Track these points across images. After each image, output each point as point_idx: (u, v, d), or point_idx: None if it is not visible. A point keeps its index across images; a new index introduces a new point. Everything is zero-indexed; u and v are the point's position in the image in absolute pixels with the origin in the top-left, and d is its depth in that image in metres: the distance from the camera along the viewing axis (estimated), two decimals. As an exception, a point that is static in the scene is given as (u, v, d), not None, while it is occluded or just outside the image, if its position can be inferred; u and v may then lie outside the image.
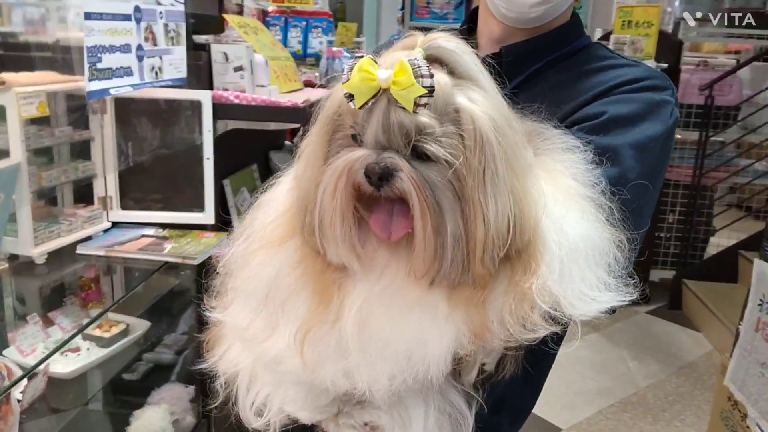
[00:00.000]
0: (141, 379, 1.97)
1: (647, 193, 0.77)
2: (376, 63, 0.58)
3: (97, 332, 1.70)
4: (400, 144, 0.58)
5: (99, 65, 1.29)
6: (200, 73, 1.80)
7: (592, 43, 0.90)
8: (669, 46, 3.58)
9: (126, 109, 1.76)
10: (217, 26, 2.23)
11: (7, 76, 1.48)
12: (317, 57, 4.17)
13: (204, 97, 1.76)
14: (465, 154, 0.58)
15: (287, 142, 2.68)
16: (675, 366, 3.16)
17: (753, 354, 2.07)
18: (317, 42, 4.35)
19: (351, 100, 0.58)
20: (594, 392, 2.96)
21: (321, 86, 2.81)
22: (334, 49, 4.26)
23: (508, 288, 0.63)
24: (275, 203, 0.73)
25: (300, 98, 1.95)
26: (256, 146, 2.32)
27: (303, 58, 4.07)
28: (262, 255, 0.69)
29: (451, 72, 0.61)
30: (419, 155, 0.59)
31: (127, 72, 1.41)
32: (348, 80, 0.58)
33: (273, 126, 2.24)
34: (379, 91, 0.57)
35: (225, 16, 2.27)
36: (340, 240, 0.62)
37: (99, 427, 1.87)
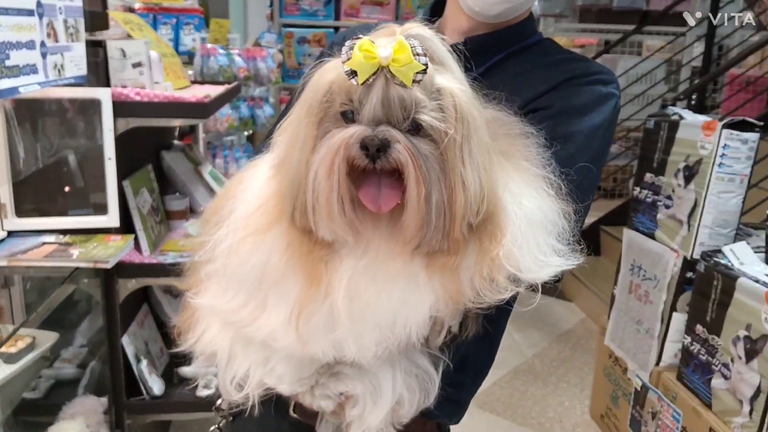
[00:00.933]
0: (44, 397, 1.87)
1: (591, 174, 0.86)
2: (373, 41, 0.62)
3: (3, 348, 1.59)
4: (399, 117, 0.63)
5: (7, 62, 1.22)
6: (98, 70, 1.73)
7: (544, 38, 0.98)
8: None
9: (22, 111, 1.65)
10: (101, 23, 2.13)
11: None
12: (190, 55, 4.06)
13: (103, 95, 1.69)
14: (455, 129, 0.64)
15: (176, 142, 2.61)
16: (555, 334, 3.44)
17: (628, 313, 2.33)
18: (190, 39, 4.24)
19: (353, 77, 0.62)
20: (487, 365, 3.16)
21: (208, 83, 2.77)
22: (209, 46, 4.17)
23: (478, 255, 0.69)
24: (253, 192, 0.74)
25: (200, 94, 1.92)
26: (149, 146, 2.25)
27: (177, 55, 3.94)
28: (249, 243, 0.70)
29: (431, 56, 0.65)
30: (410, 129, 0.64)
31: (33, 69, 1.34)
32: (349, 59, 0.62)
33: (163, 124, 2.18)
34: (378, 69, 0.62)
35: (109, 12, 2.18)
36: (338, 217, 0.65)
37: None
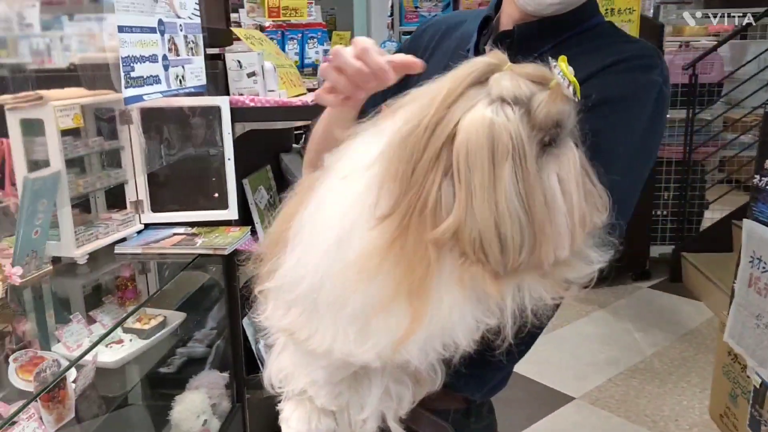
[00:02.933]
0: (177, 372, 2.11)
1: (632, 169, 0.84)
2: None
3: (137, 325, 1.83)
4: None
5: (132, 74, 1.43)
6: (217, 80, 1.94)
7: (602, 21, 0.94)
8: (651, 30, 3.74)
9: (151, 118, 1.90)
10: (225, 39, 2.37)
11: (43, 92, 1.62)
12: (314, 66, 4.33)
13: (222, 102, 1.90)
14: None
15: (295, 145, 2.83)
16: (678, 333, 3.29)
17: (748, 308, 2.20)
18: (313, 52, 4.51)
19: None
20: (603, 362, 3.09)
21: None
22: (330, 57, 4.42)
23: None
24: (349, 242, 0.72)
25: (309, 98, 2.09)
26: (268, 148, 2.47)
27: (301, 68, 4.21)
28: (360, 284, 0.71)
29: None
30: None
31: (156, 80, 1.55)
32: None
33: (280, 125, 2.38)
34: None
35: (232, 29, 2.42)
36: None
37: (141, 415, 2.00)
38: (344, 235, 0.69)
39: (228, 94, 1.96)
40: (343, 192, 0.72)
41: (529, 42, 0.91)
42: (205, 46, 2.05)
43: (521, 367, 3.39)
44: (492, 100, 0.67)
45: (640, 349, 3.17)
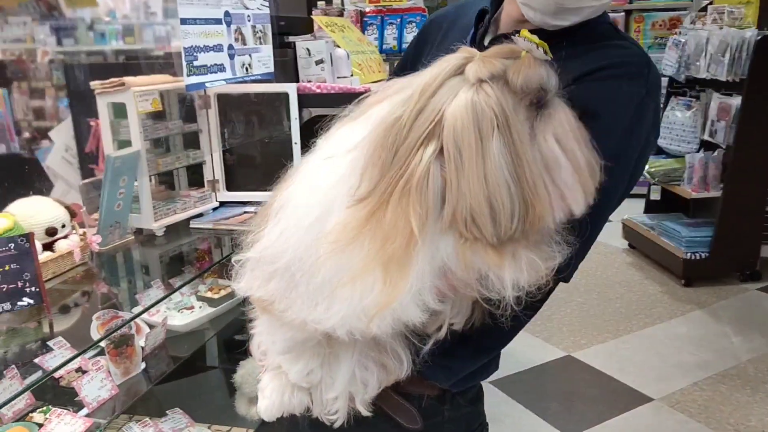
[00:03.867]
0: (244, 340, 2.26)
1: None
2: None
3: (209, 294, 1.99)
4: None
5: (195, 63, 1.56)
6: (286, 67, 2.05)
7: (604, 22, 0.92)
8: (772, 11, 3.44)
9: (227, 104, 2.04)
10: (305, 27, 2.47)
11: (127, 78, 1.79)
12: (413, 50, 4.37)
13: (290, 89, 2.00)
14: None
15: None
16: (783, 341, 3.05)
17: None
18: (411, 36, 4.55)
19: None
20: (691, 365, 2.94)
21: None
22: (427, 41, 4.45)
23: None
24: (326, 212, 0.77)
25: (378, 85, 2.15)
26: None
27: (399, 52, 4.28)
28: (335, 255, 0.74)
29: None
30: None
31: (220, 68, 1.67)
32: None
33: (337, 111, 2.45)
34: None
35: (313, 17, 2.52)
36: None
37: (213, 374, 2.17)
38: (324, 212, 0.74)
39: (297, 80, 2.06)
40: (326, 172, 0.77)
41: None
42: (283, 34, 2.16)
43: (598, 362, 3.29)
44: (471, 84, 0.70)
45: (735, 354, 2.97)
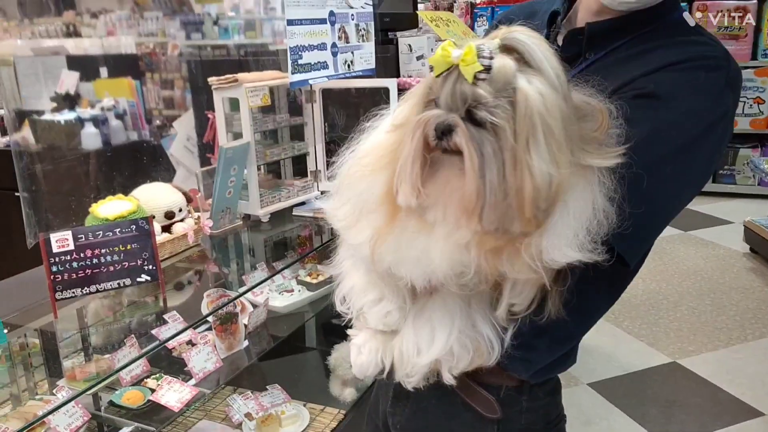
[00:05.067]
0: (341, 325, 2.36)
1: (673, 166, 0.83)
2: (455, 45, 0.74)
3: (308, 279, 2.10)
4: (460, 107, 0.73)
5: (300, 61, 1.65)
6: (388, 62, 2.11)
7: (680, 17, 0.93)
8: None
9: (331, 98, 2.13)
10: (411, 22, 2.52)
11: (240, 75, 1.92)
12: (522, 43, 4.33)
13: (391, 84, 2.05)
14: (515, 122, 0.71)
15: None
16: None
17: None
18: (522, 28, 4.49)
19: (431, 71, 0.77)
20: (811, 382, 2.74)
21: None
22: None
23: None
24: (374, 138, 0.88)
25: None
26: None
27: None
28: (359, 174, 0.85)
29: (523, 60, 0.73)
30: (473, 119, 0.73)
31: (323, 66, 1.75)
32: (433, 56, 0.78)
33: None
34: (452, 66, 0.73)
35: (418, 12, 2.56)
36: (408, 177, 0.77)
37: (310, 355, 2.29)
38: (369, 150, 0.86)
39: (398, 75, 2.12)
40: (378, 134, 0.87)
41: (600, 39, 0.93)
42: (388, 30, 2.22)
43: (705, 371, 3.17)
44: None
45: None
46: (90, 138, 3.54)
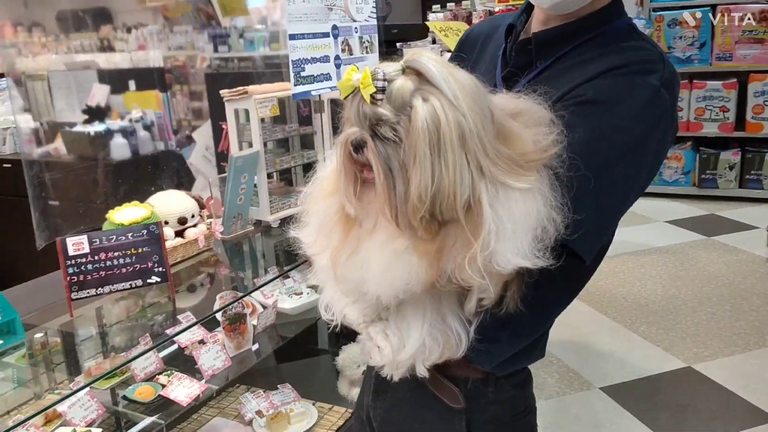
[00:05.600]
0: (347, 327, 2.44)
1: (613, 171, 0.87)
2: (357, 70, 0.80)
3: (316, 281, 2.18)
4: (364, 125, 0.80)
5: (302, 73, 1.73)
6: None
7: (623, 24, 0.97)
8: None
9: (340, 108, 2.21)
10: (420, 33, 2.59)
11: (250, 87, 2.02)
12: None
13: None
14: (409, 138, 0.77)
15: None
16: None
17: None
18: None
19: (339, 93, 0.83)
20: (826, 388, 2.71)
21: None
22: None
23: (461, 245, 0.80)
24: (329, 166, 0.95)
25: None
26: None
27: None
28: (316, 201, 0.94)
29: (424, 79, 0.78)
30: (377, 135, 0.79)
31: (326, 77, 1.84)
32: (339, 81, 0.85)
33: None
34: (356, 89, 0.80)
35: (427, 23, 2.63)
36: (343, 189, 0.84)
37: (319, 356, 2.37)
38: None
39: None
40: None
41: (547, 47, 0.99)
42: (396, 40, 2.30)
43: (720, 376, 3.17)
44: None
45: None
46: (119, 148, 3.69)
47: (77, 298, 1.50)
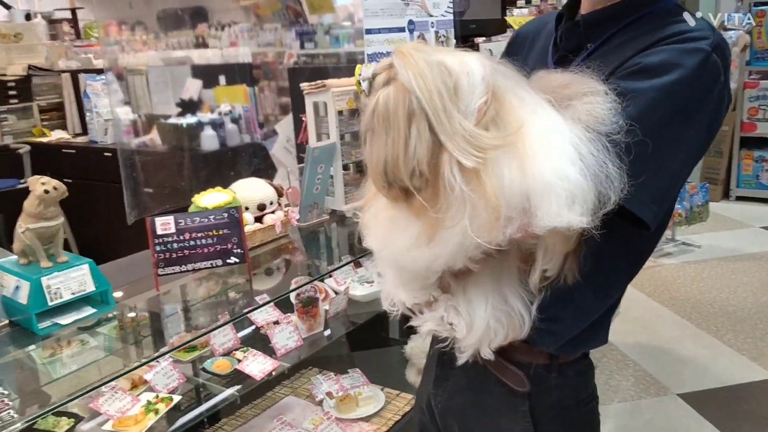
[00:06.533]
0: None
1: (667, 133, 0.88)
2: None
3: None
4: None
5: (377, 67, 1.79)
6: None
7: (670, 4, 0.99)
8: None
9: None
10: (499, 28, 2.60)
11: (328, 81, 2.09)
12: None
13: (471, 87, 2.15)
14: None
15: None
16: None
17: None
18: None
19: None
20: None
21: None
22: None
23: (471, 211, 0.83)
24: None
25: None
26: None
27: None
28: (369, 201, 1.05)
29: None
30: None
31: (401, 71, 1.88)
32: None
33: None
34: None
35: (506, 18, 2.63)
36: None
37: (389, 343, 2.42)
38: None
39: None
40: None
41: (597, 28, 1.01)
42: (475, 35, 2.32)
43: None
44: None
45: None
46: (208, 139, 3.89)
47: (163, 274, 1.62)
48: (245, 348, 1.87)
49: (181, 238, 1.65)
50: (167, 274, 1.63)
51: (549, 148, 0.81)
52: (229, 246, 1.68)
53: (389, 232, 0.95)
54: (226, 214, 1.69)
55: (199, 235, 1.66)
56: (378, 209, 0.99)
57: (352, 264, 2.10)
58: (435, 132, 0.82)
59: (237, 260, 1.69)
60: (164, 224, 1.63)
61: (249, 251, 1.72)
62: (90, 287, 1.48)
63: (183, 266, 1.64)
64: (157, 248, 1.62)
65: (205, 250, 1.66)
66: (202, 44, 7.28)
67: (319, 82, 2.11)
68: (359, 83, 0.93)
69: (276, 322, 1.97)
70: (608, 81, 0.88)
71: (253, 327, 2.12)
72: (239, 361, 1.80)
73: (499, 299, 0.96)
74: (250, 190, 1.98)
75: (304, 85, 2.16)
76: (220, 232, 1.68)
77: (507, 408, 1.07)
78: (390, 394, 2.18)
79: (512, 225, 0.81)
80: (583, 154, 0.81)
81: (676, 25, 0.95)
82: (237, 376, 1.78)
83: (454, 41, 2.13)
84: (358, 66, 0.96)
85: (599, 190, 0.81)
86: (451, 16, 2.07)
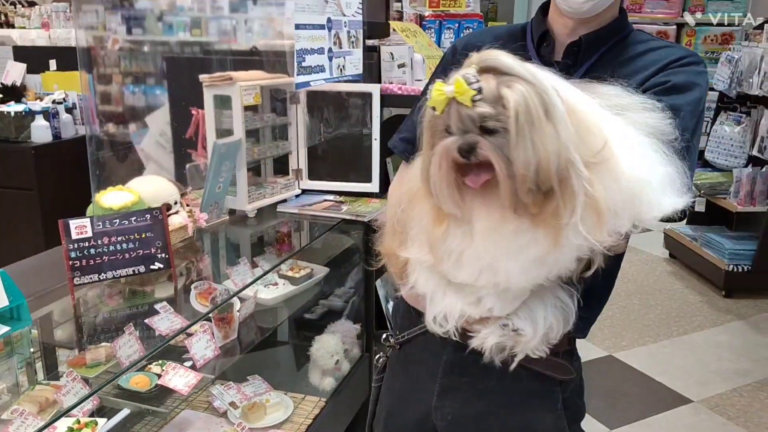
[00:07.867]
0: (318, 318, 2.45)
1: (695, 140, 1.06)
2: (444, 83, 0.88)
3: (290, 273, 2.18)
4: (473, 128, 0.87)
5: (303, 63, 1.74)
6: (371, 70, 2.23)
7: (633, 30, 1.16)
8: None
9: (315, 100, 2.23)
10: (383, 31, 2.65)
11: (234, 74, 1.99)
12: (468, 55, 4.53)
13: (374, 89, 2.18)
14: (509, 122, 0.85)
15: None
16: (823, 355, 3.15)
17: None
18: (468, 41, 4.69)
19: (434, 111, 0.90)
20: (731, 372, 3.05)
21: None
22: (483, 47, 4.63)
23: (583, 212, 0.88)
24: (414, 173, 1.02)
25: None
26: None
27: (455, 57, 4.43)
28: (417, 208, 1.00)
29: (500, 73, 0.87)
30: (486, 131, 0.87)
31: (321, 69, 1.85)
32: (430, 99, 0.90)
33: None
34: (450, 100, 0.87)
35: (390, 22, 2.69)
36: (447, 197, 0.91)
37: (287, 347, 2.37)
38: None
39: (380, 82, 2.24)
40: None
41: (590, 47, 1.14)
42: (365, 38, 2.34)
43: (639, 363, 3.41)
44: None
45: (776, 364, 3.08)
46: (39, 131, 3.45)
47: (80, 284, 1.43)
48: (161, 361, 1.71)
49: (99, 242, 1.47)
50: (84, 284, 1.45)
51: (629, 150, 0.90)
52: (153, 251, 1.54)
53: (505, 249, 0.91)
54: (148, 215, 1.54)
55: (119, 239, 1.49)
56: (451, 232, 0.95)
57: (249, 265, 2.02)
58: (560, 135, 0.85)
59: (162, 266, 1.54)
60: (80, 227, 1.44)
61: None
62: (3, 302, 1.27)
63: (102, 274, 1.47)
64: (72, 254, 1.43)
65: (127, 255, 1.50)
66: (4, 22, 6.39)
67: (224, 74, 2.00)
68: (465, 84, 0.88)
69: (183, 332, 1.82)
70: (650, 97, 1.00)
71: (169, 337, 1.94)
72: (159, 375, 1.64)
73: (552, 297, 1.01)
74: (153, 188, 1.81)
75: (204, 77, 2.03)
76: (143, 236, 1.52)
77: (540, 400, 1.12)
78: (295, 398, 2.12)
79: (620, 225, 0.88)
80: (657, 150, 0.94)
81: (672, 49, 1.13)
82: (160, 393, 1.63)
83: (362, 42, 2.14)
84: (437, 83, 0.92)
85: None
86: (360, 17, 2.08)
